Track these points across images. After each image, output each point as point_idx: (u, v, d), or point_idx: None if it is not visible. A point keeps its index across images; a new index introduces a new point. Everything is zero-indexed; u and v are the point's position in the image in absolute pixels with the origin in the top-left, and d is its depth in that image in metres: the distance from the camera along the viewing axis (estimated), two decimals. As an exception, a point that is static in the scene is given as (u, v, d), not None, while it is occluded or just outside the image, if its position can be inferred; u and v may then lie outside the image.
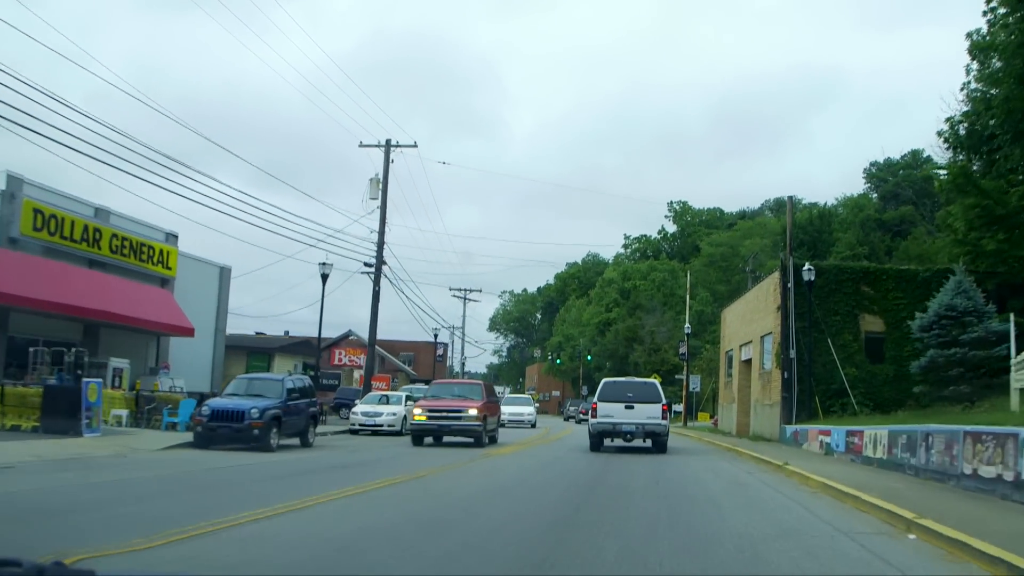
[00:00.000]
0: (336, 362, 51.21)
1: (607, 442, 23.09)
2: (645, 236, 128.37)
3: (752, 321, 34.71)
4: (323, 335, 61.22)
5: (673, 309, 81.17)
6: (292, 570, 6.25)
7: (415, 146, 35.80)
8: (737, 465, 18.78)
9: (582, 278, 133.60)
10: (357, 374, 51.63)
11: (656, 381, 26.09)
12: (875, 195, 79.49)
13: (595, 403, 22.44)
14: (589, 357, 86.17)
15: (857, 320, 29.82)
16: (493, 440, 24.12)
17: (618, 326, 74.38)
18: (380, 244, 35.09)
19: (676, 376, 54.16)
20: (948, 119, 36.76)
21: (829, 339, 29.00)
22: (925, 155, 72.91)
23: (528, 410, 44.53)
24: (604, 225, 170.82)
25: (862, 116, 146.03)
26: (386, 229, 35.20)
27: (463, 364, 75.78)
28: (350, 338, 50.54)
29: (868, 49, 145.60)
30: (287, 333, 77.60)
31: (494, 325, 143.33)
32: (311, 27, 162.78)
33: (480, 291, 75.93)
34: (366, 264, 34.35)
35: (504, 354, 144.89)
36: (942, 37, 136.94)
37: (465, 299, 74.70)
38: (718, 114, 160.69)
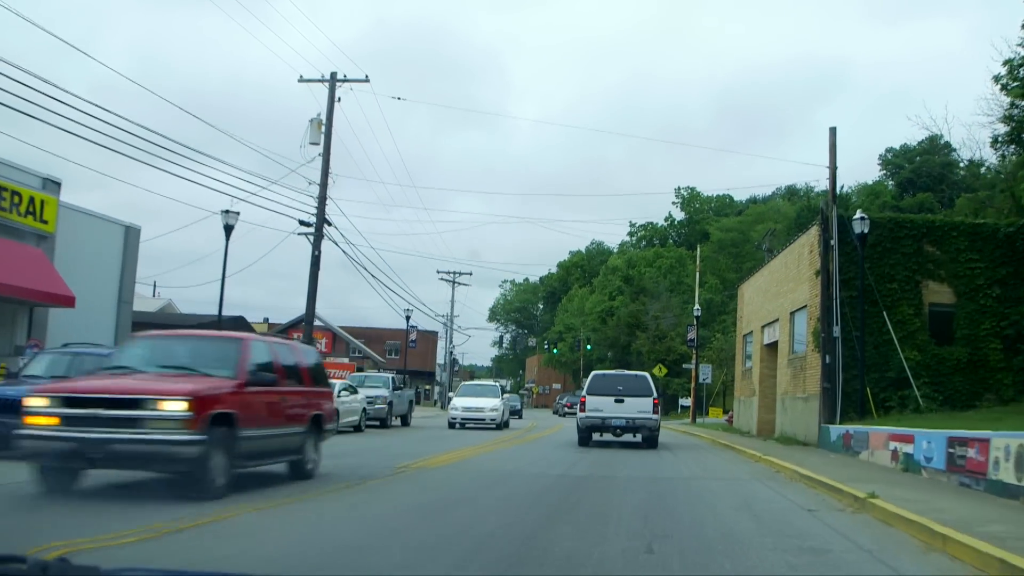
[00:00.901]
0: (294, 347, 44.38)
1: (596, 436, 21.90)
2: (651, 224, 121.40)
3: (779, 295, 27.69)
4: (279, 319, 54.45)
5: (680, 296, 74.17)
6: None
7: (366, 80, 28.86)
8: (782, 491, 11.78)
9: (586, 267, 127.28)
10: (318, 361, 44.92)
11: (647, 375, 23.71)
12: (891, 182, 74.20)
13: (584, 396, 21.67)
14: (589, 346, 79.22)
15: (919, 289, 22.72)
16: (301, 472, 11.18)
17: (620, 312, 67.33)
18: (322, 198, 28.17)
19: (684, 366, 47.13)
20: (1007, 61, 29.94)
21: (884, 312, 21.96)
22: (943, 140, 67.53)
23: (491, 404, 30.01)
24: (609, 218, 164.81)
25: (867, 107, 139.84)
26: (330, 181, 28.34)
27: (450, 353, 69.00)
28: (309, 320, 43.53)
29: (874, 41, 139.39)
30: (267, 320, 71.16)
31: (494, 315, 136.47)
32: (312, 16, 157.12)
33: (471, 274, 69.00)
34: (302, 223, 27.44)
35: (505, 346, 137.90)
36: (949, 29, 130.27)
37: (454, 283, 67.81)
38: (723, 106, 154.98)
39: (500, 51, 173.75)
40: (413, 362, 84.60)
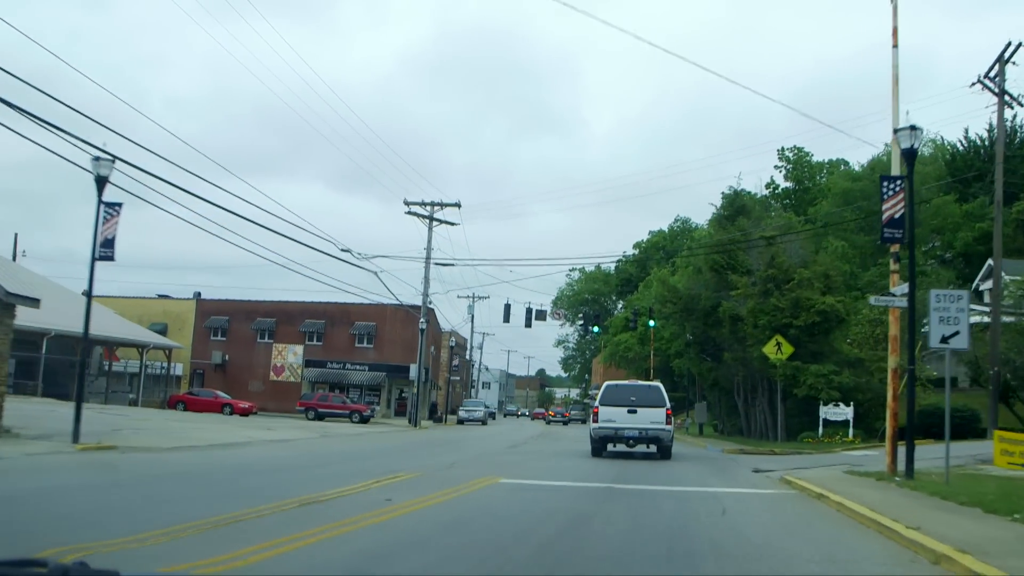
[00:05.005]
0: None
1: (610, 447, 21.42)
2: (748, 193, 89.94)
3: None
4: None
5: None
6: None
7: None
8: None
9: (668, 247, 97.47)
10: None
11: (659, 385, 22.03)
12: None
13: (596, 407, 21.36)
14: (652, 322, 50.08)
15: None
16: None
17: (703, 244, 37.93)
18: None
19: (874, 299, 17.49)
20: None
21: None
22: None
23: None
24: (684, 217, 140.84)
25: (954, 101, 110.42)
26: None
27: (423, 332, 41.25)
28: None
29: (955, 32, 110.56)
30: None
31: (557, 309, 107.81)
32: (378, 26, 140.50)
33: (457, 205, 40.97)
34: None
35: (571, 346, 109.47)
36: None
37: (431, 218, 40.27)
38: (801, 103, 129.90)
39: (574, 55, 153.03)
40: (392, 355, 56.00)
